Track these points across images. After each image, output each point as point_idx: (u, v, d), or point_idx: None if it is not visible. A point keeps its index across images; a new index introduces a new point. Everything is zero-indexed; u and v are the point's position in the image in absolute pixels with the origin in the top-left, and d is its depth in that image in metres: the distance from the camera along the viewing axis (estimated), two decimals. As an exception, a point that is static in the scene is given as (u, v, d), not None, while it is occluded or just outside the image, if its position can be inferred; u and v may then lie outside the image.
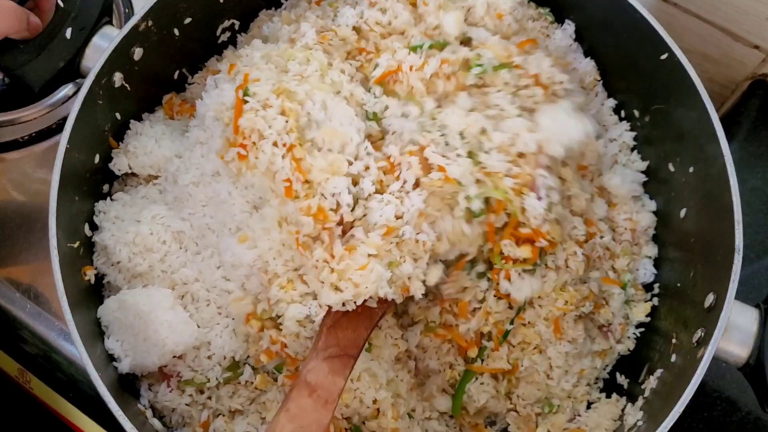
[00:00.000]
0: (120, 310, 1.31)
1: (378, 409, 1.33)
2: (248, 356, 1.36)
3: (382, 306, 1.27)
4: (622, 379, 1.45)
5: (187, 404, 1.34)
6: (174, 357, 1.33)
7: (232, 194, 1.34)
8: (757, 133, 1.72)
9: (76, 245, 1.33)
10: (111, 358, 1.31)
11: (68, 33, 1.36)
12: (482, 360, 1.40)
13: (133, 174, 1.47)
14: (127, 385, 1.34)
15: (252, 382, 1.36)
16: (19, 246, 1.65)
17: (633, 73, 1.49)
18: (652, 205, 1.51)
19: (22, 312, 1.60)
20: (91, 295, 1.37)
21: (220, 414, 1.35)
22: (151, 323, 1.29)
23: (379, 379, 1.33)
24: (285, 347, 1.30)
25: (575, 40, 1.55)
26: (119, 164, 1.44)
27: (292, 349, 1.30)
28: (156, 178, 1.46)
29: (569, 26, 1.55)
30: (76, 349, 1.20)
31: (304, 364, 1.22)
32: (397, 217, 1.26)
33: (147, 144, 1.44)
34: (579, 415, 1.41)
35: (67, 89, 1.64)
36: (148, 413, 1.31)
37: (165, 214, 1.39)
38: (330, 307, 1.25)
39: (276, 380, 1.36)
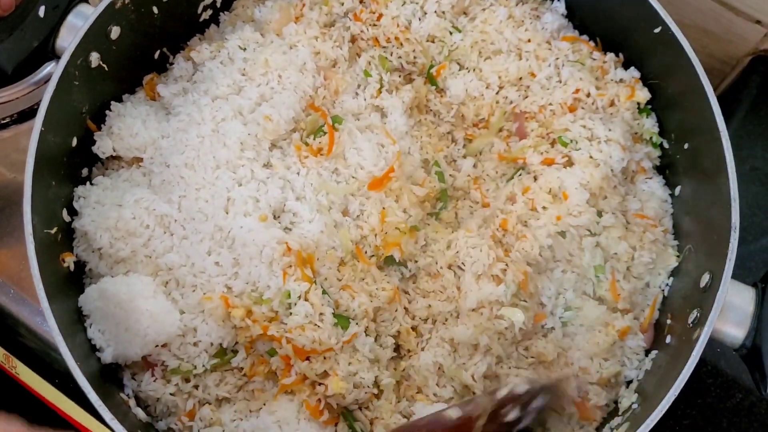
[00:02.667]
0: (101, 299, 1.29)
1: (374, 394, 1.32)
2: (236, 342, 1.33)
3: None
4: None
5: (171, 393, 1.31)
6: (157, 346, 1.30)
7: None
8: (757, 111, 1.69)
9: (53, 231, 1.30)
10: (93, 347, 1.29)
11: (41, 11, 1.33)
12: None
13: (114, 157, 1.43)
14: (110, 374, 1.32)
15: (241, 368, 1.33)
16: (1, 230, 1.63)
17: (626, 48, 1.46)
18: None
19: (6, 297, 1.58)
20: (71, 282, 1.34)
21: (206, 402, 1.32)
22: (132, 312, 1.27)
23: (382, 362, 1.32)
24: (290, 342, 1.27)
25: (566, 17, 1.52)
26: (103, 147, 1.40)
27: (298, 342, 1.27)
28: (141, 160, 1.42)
29: (559, 4, 1.51)
30: (54, 339, 1.17)
31: None
32: None
33: (133, 125, 1.40)
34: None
35: (50, 67, 1.59)
36: (132, 402, 1.29)
37: (149, 198, 1.36)
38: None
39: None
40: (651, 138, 1.45)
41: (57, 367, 1.58)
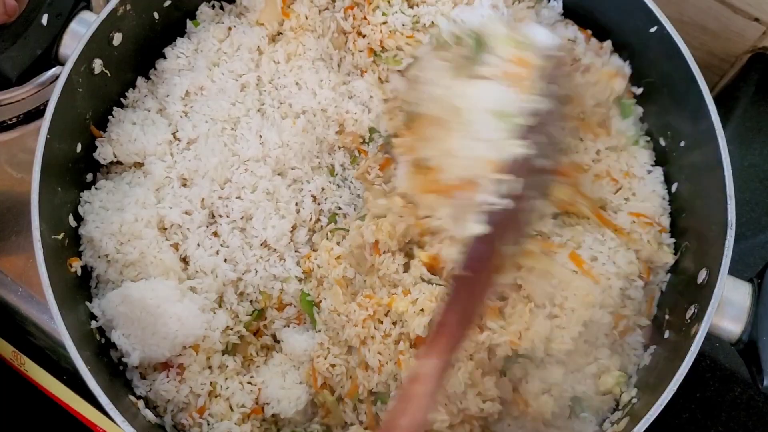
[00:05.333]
0: (124, 304, 1.29)
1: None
2: None
3: None
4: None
5: (185, 394, 1.32)
6: (184, 347, 1.32)
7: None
8: (756, 108, 1.69)
9: (60, 237, 1.31)
10: (103, 350, 1.31)
11: (44, 19, 1.33)
12: None
13: (117, 162, 1.44)
14: (118, 375, 1.34)
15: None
16: (9, 229, 1.65)
17: (623, 47, 1.46)
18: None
19: (14, 295, 1.60)
20: (78, 287, 1.35)
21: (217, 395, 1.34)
22: (159, 317, 1.28)
23: None
24: None
25: (562, 15, 1.52)
26: (104, 153, 1.41)
27: None
28: (142, 165, 1.43)
29: (556, 3, 1.51)
30: (65, 344, 1.19)
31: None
32: None
33: (131, 131, 1.41)
34: None
35: (54, 68, 1.61)
36: (140, 404, 1.30)
37: (149, 197, 1.37)
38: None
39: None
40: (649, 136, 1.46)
41: (65, 364, 1.61)
